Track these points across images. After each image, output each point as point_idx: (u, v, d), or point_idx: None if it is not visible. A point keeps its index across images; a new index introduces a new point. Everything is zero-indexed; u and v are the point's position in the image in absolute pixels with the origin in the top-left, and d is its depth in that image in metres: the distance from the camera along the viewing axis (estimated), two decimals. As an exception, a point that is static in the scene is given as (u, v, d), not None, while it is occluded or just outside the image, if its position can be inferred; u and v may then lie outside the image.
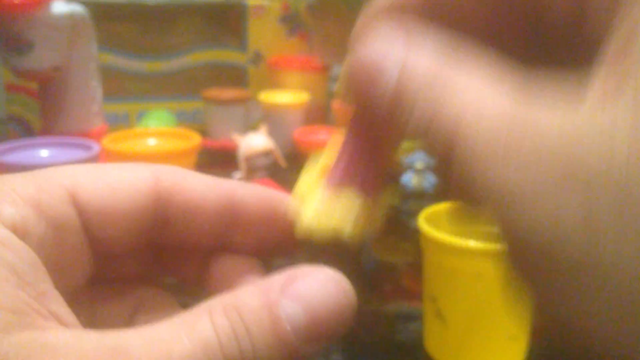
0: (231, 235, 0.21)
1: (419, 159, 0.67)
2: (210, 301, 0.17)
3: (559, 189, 0.13)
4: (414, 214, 0.64)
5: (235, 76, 0.89)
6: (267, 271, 0.19)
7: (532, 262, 0.15)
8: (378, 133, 0.20)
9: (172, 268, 0.23)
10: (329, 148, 0.21)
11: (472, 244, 0.33)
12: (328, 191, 0.20)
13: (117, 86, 0.83)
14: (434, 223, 0.36)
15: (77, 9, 0.59)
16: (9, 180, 0.18)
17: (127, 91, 0.84)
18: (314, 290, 0.17)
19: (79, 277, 0.20)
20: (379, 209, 0.21)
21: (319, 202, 0.20)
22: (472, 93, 0.15)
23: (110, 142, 0.52)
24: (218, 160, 0.78)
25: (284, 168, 0.72)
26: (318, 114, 0.86)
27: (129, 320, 0.21)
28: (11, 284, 0.15)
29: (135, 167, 0.20)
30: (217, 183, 0.21)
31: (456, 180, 0.15)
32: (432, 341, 0.37)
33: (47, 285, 0.16)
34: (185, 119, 0.86)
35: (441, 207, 0.39)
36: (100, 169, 0.20)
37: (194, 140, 0.54)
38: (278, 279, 0.18)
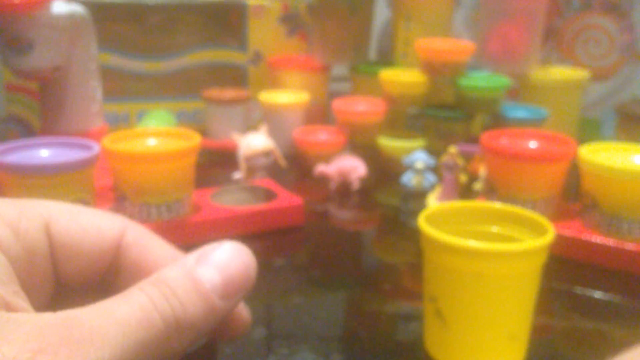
0: None
1: (419, 159, 0.67)
2: (136, 284, 0.21)
3: None
4: (414, 214, 0.64)
5: (235, 76, 0.89)
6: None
7: None
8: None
9: None
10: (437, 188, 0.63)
11: (473, 243, 0.33)
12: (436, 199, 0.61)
13: (117, 86, 0.83)
14: (434, 223, 0.36)
15: (77, 9, 0.59)
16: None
17: (127, 91, 0.84)
18: (222, 256, 0.22)
19: (41, 298, 0.22)
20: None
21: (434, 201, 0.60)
22: None
23: (110, 142, 0.52)
24: (218, 160, 0.78)
25: (284, 168, 0.72)
26: (318, 114, 0.86)
27: None
28: None
29: (108, 217, 0.23)
30: (170, 251, 0.25)
31: None
32: (432, 341, 0.37)
33: (17, 287, 0.19)
34: (185, 119, 0.86)
35: (441, 207, 0.39)
36: (77, 210, 0.23)
37: (194, 140, 0.54)
38: (191, 256, 0.22)
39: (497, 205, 0.39)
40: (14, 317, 0.17)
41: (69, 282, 0.23)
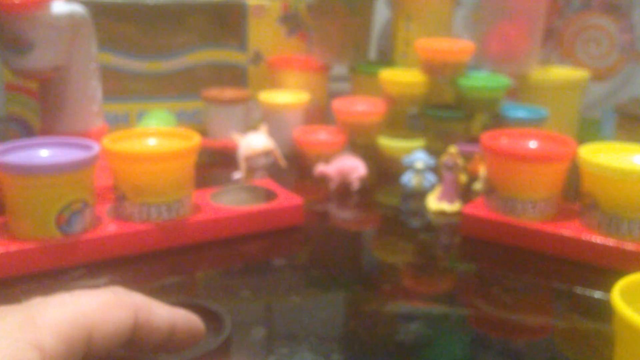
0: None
1: (419, 159, 0.67)
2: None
3: None
4: (414, 213, 0.64)
5: (235, 76, 0.89)
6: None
7: None
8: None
9: None
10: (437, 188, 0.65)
11: None
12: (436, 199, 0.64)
13: (117, 86, 0.83)
14: (635, 299, 0.27)
15: (77, 9, 0.59)
16: (50, 314, 0.25)
17: (127, 91, 0.84)
18: None
19: None
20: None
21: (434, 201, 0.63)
22: None
23: (110, 142, 0.52)
24: (218, 160, 0.78)
25: (284, 168, 0.72)
26: (318, 114, 0.86)
27: None
28: None
29: (122, 307, 0.27)
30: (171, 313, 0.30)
31: None
32: None
33: None
34: (185, 119, 0.86)
35: None
36: (110, 311, 0.27)
37: (194, 140, 0.54)
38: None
39: None
40: None
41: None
